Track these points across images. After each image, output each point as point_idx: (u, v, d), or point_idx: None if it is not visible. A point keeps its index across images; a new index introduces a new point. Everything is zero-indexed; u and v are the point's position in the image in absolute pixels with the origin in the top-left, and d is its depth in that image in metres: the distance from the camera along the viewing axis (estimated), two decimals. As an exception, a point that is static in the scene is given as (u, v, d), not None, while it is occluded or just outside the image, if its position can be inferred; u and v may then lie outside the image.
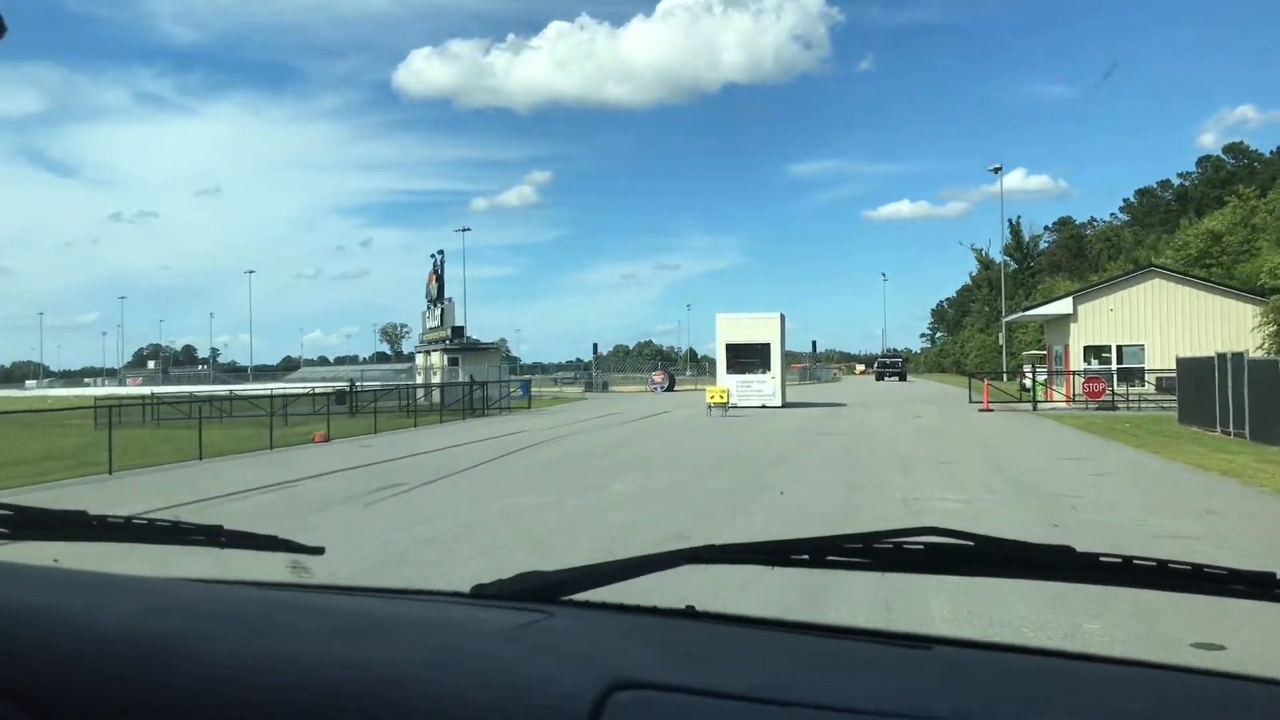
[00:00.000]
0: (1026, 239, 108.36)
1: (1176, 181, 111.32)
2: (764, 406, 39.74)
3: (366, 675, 0.95)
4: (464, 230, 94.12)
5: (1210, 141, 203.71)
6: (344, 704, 0.90)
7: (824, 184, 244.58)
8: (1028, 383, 48.63)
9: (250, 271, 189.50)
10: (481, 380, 51.66)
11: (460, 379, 55.07)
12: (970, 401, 38.21)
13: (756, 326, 40.74)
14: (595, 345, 76.78)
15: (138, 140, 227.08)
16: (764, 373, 40.52)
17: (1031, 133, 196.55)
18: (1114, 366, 37.57)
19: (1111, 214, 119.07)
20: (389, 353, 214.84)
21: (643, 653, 1.09)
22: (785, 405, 40.82)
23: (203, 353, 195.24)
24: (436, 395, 45.32)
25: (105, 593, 1.19)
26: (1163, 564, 1.13)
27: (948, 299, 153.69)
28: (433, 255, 57.64)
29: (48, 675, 0.91)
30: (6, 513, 1.41)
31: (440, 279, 57.29)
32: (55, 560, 1.71)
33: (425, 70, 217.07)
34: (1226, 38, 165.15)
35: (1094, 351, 38.30)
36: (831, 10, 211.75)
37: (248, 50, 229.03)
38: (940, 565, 1.18)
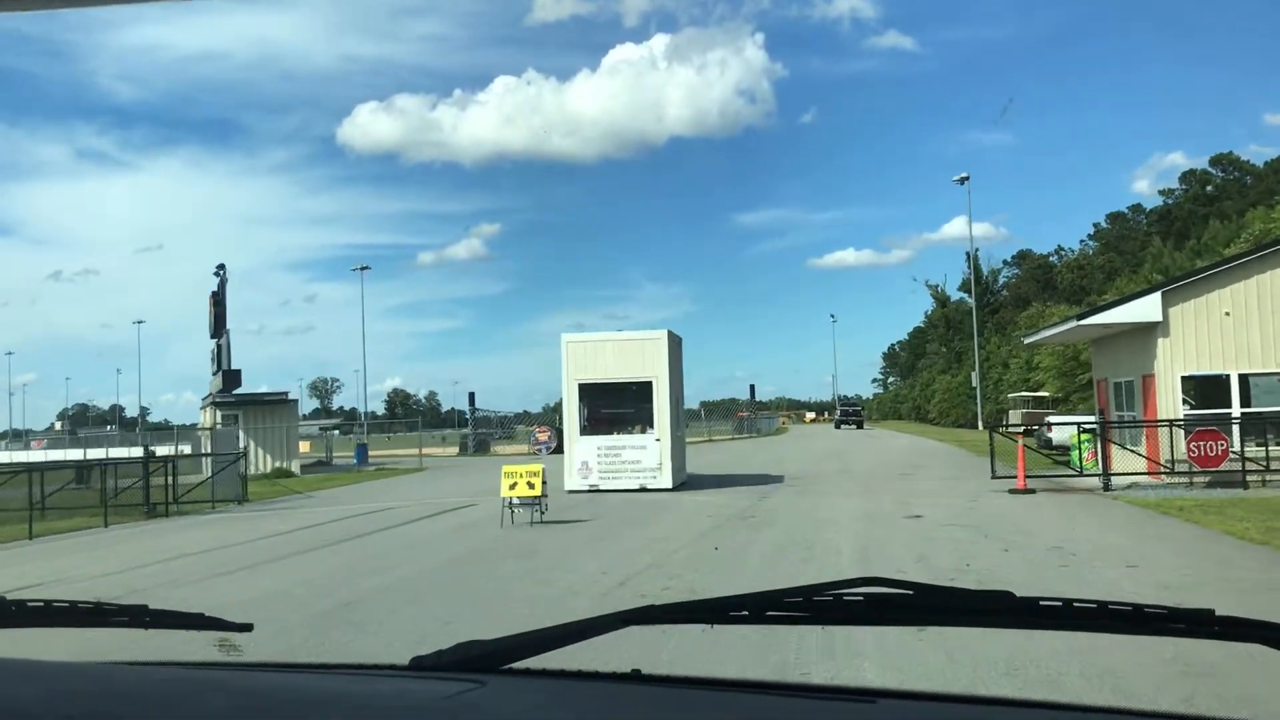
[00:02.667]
0: (985, 273, 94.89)
1: (1151, 204, 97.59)
2: (643, 489, 22.97)
3: None
4: (363, 269, 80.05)
5: (1144, 188, 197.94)
6: None
7: (770, 233, 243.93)
8: (1055, 437, 32.42)
9: (139, 322, 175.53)
10: (266, 438, 34.40)
11: (239, 444, 37.60)
12: (994, 476, 21.42)
13: (630, 355, 23.85)
14: (471, 395, 59.33)
15: (79, 198, 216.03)
16: (642, 432, 23.69)
17: (975, 181, 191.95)
18: (1235, 410, 21.15)
19: (1082, 241, 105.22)
20: (318, 408, 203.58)
21: (576, 716, 1.09)
22: (680, 486, 24.01)
23: (131, 411, 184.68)
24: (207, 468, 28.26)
25: (14, 679, 1.16)
26: (1103, 605, 1.12)
27: (899, 342, 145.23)
28: (216, 271, 40.40)
29: None
30: None
31: (221, 305, 39.93)
32: None
33: (371, 125, 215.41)
34: (1156, 86, 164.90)
35: (1192, 386, 21.89)
36: (775, 65, 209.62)
37: (192, 107, 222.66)
38: (881, 616, 1.17)
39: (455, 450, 56.71)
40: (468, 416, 60.82)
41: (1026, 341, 31.17)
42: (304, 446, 49.94)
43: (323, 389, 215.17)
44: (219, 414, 38.12)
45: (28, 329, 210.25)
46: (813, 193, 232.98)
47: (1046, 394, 57.05)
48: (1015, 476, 20.59)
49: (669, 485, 23.08)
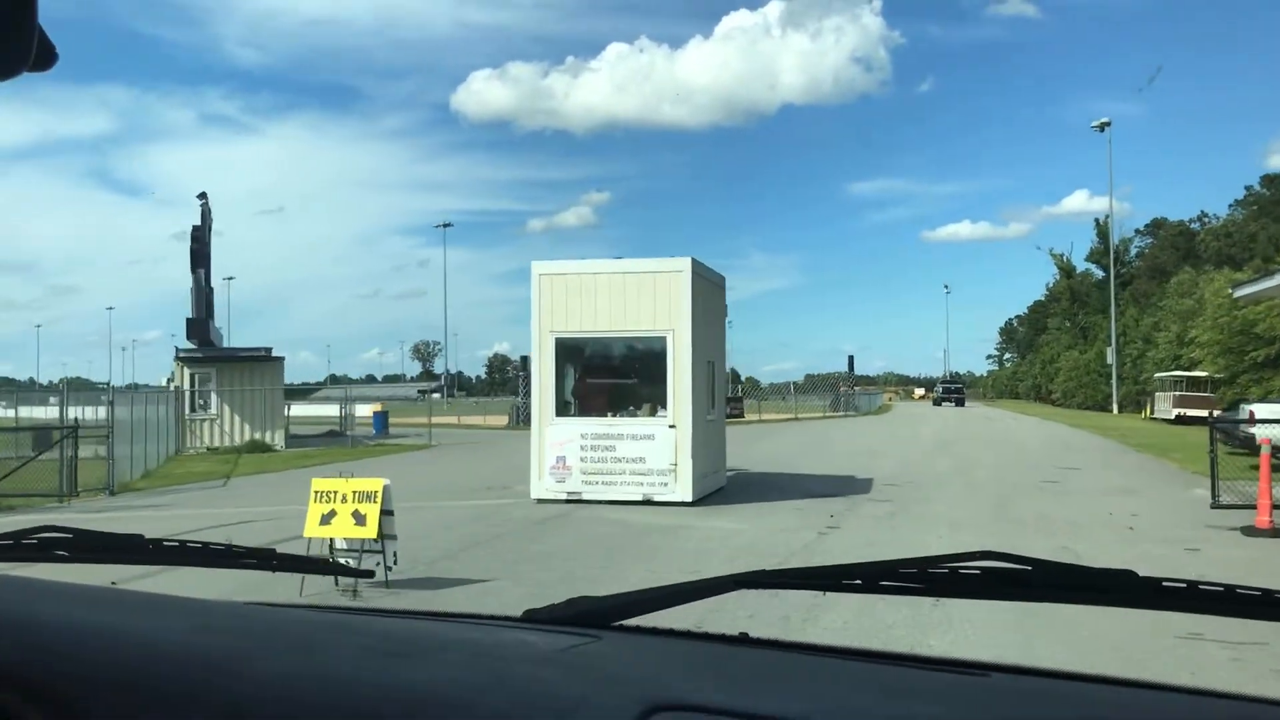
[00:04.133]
0: (1116, 242, 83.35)
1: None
2: (647, 501, 14.69)
3: (405, 695, 0.93)
4: (445, 226, 75.76)
5: (1278, 162, 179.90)
6: None
7: (883, 204, 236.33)
8: (1261, 434, 23.03)
9: (229, 278, 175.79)
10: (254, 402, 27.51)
11: (211, 409, 30.48)
12: (1215, 504, 12.52)
13: (634, 295, 15.36)
14: (524, 359, 51.38)
15: (204, 160, 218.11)
16: (651, 414, 15.35)
17: (1097, 153, 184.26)
18: None
19: (1230, 206, 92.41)
20: (419, 372, 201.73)
21: (688, 677, 1.06)
22: (707, 496, 15.66)
23: None
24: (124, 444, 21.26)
25: (160, 613, 1.19)
26: (1230, 589, 1.11)
27: (1016, 316, 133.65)
28: (199, 197, 33.22)
29: (109, 691, 0.89)
30: (66, 536, 1.43)
31: (203, 242, 32.77)
32: (113, 583, 1.72)
33: (485, 92, 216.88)
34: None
35: None
36: (892, 33, 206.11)
37: (312, 72, 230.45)
38: (997, 590, 1.16)
39: (505, 420, 48.99)
40: (518, 383, 53.04)
41: (1237, 294, 21.69)
42: (364, 410, 42.70)
43: (425, 352, 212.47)
44: (187, 372, 30.97)
45: (155, 287, 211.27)
46: (928, 163, 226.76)
47: (1204, 374, 46.75)
48: (1244, 504, 11.93)
49: (688, 498, 14.73)
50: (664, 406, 15.22)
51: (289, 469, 22.98)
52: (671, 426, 15.07)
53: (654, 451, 15.00)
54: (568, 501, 14.90)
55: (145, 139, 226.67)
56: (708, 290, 16.55)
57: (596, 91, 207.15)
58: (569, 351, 15.75)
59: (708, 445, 16.15)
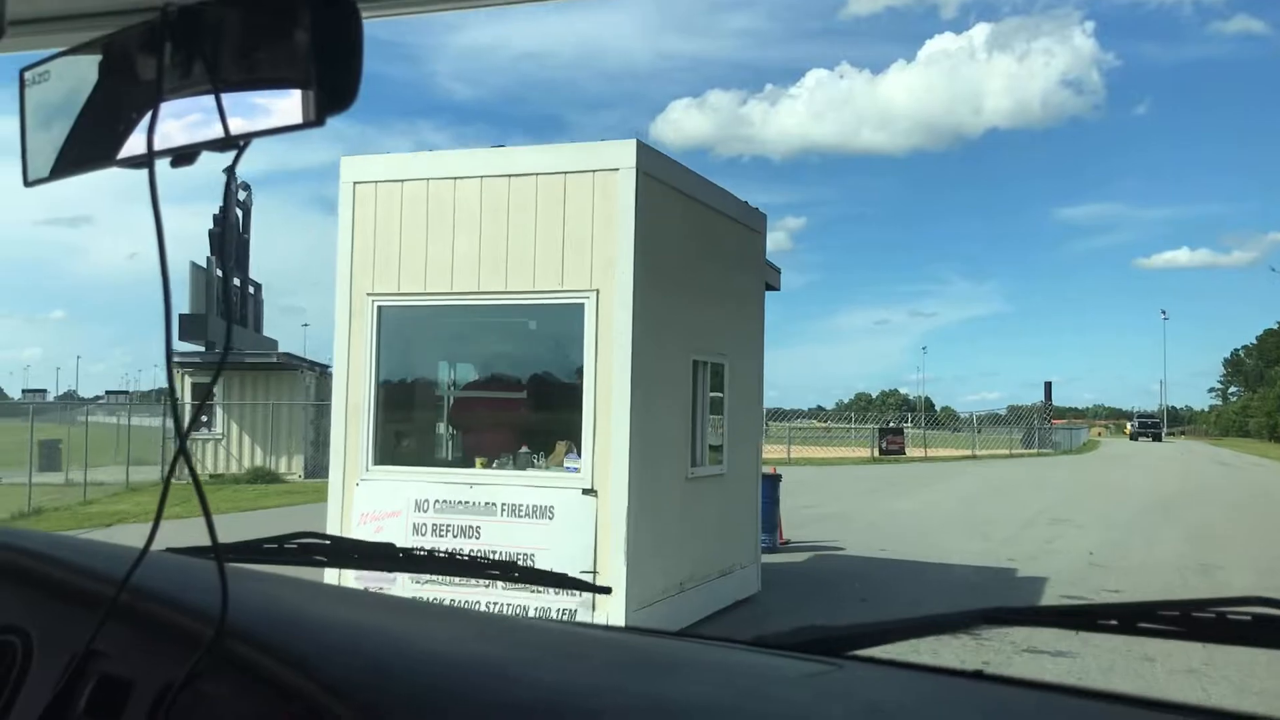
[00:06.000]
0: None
1: None
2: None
3: (671, 708, 0.92)
4: None
5: None
6: None
7: (1093, 230, 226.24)
8: None
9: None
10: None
11: (216, 428, 24.61)
12: None
13: (526, 223, 7.51)
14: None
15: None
16: (562, 461, 7.41)
17: None
18: None
19: None
20: None
21: (937, 709, 1.03)
22: (668, 632, 7.58)
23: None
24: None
25: (430, 618, 1.24)
26: None
27: (1244, 347, 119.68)
28: (242, 187, 27.29)
29: (404, 690, 0.88)
30: (324, 542, 1.46)
31: (233, 232, 26.87)
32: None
33: (684, 121, 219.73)
34: None
35: None
36: (1106, 54, 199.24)
37: (520, 104, 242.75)
38: (1270, 638, 1.06)
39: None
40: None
41: None
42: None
43: None
44: (188, 380, 24.92)
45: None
46: (1143, 188, 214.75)
47: None
48: None
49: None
50: (579, 444, 7.32)
51: (240, 510, 16.10)
52: (588, 492, 7.15)
53: (554, 539, 7.11)
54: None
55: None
56: (695, 220, 8.51)
57: (795, 118, 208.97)
58: (406, 335, 8.05)
59: (688, 523, 8.11)
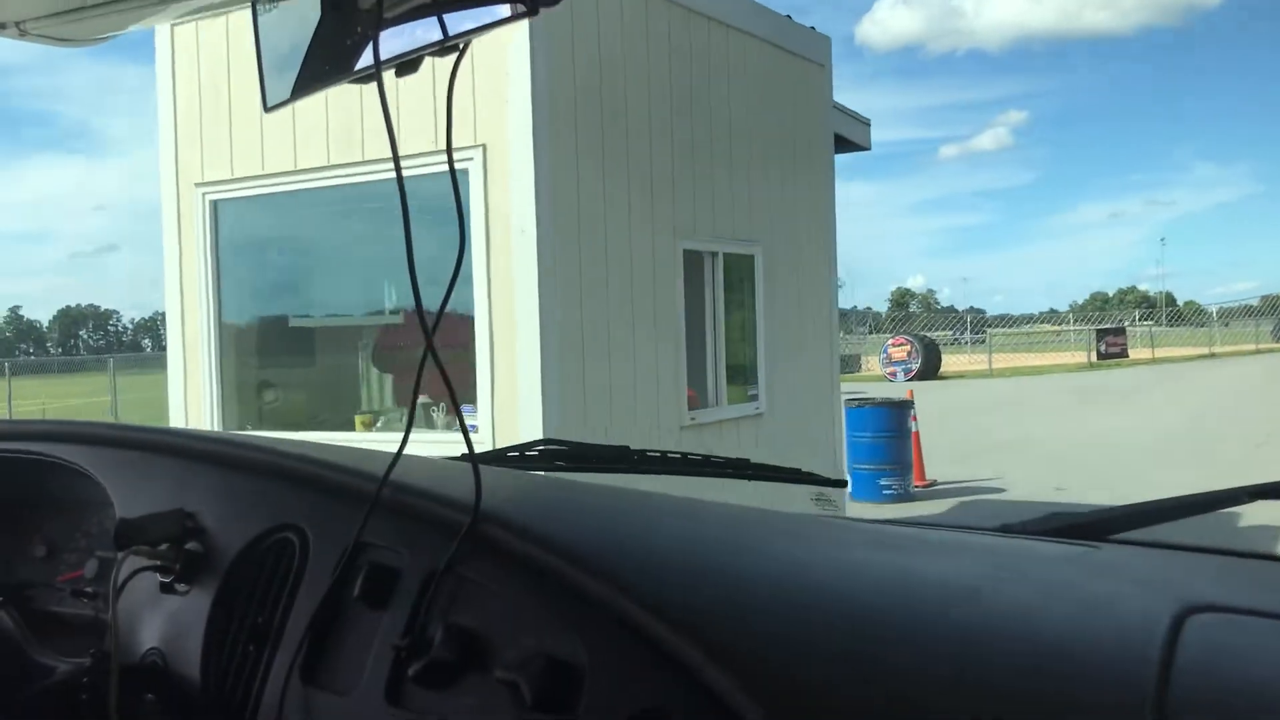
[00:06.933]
0: None
1: None
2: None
3: (922, 580, 0.91)
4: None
5: None
6: (923, 606, 0.85)
7: None
8: None
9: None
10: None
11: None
12: None
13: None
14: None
15: None
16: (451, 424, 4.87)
17: None
18: None
19: None
20: None
21: (1209, 581, 0.98)
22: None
23: None
24: None
25: (663, 506, 1.19)
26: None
27: None
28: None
29: (637, 562, 0.92)
30: (563, 448, 1.52)
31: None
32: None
33: (890, 20, 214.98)
34: None
35: None
36: None
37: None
38: None
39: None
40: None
41: None
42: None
43: None
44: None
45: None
46: None
47: None
48: None
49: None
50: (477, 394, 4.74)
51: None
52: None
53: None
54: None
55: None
56: (688, 37, 5.62)
57: (1011, 3, 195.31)
58: (258, 241, 5.63)
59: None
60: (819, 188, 6.91)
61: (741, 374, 6.07)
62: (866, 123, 8.02)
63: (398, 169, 0.86)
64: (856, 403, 10.01)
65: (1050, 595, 0.88)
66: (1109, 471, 10.86)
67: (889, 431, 9.60)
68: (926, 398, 23.26)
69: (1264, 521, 6.74)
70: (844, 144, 7.47)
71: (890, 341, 31.74)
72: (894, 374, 30.52)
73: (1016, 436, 14.56)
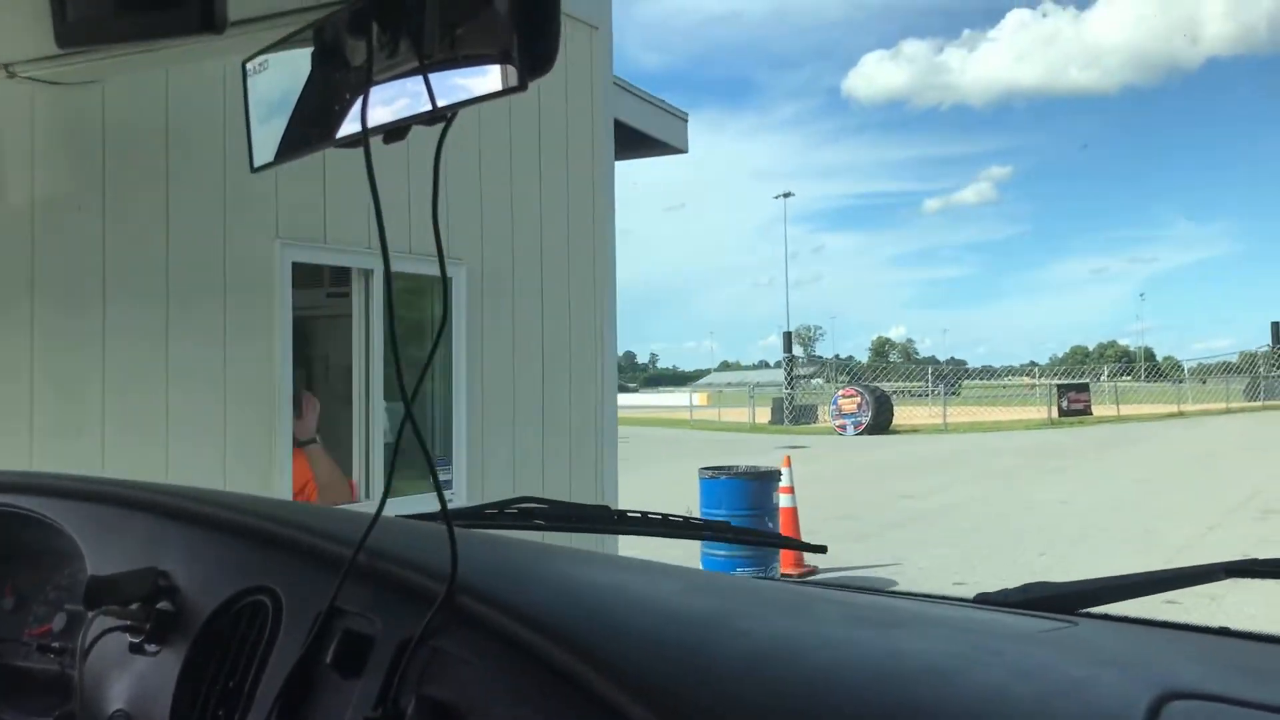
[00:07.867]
0: None
1: None
2: None
3: (905, 661, 0.89)
4: (785, 196, 65.94)
5: None
6: (887, 686, 0.84)
7: None
8: None
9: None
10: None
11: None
12: None
13: None
14: (787, 335, 38.60)
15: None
16: None
17: None
18: None
19: None
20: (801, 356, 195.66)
21: (1186, 662, 0.97)
22: None
23: (642, 359, 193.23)
24: None
25: (643, 572, 1.17)
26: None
27: None
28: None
29: (639, 644, 0.89)
30: (542, 506, 1.48)
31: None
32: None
33: (877, 74, 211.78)
34: None
35: None
36: None
37: (709, 68, 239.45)
38: None
39: (768, 416, 36.57)
40: (787, 363, 40.01)
41: None
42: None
43: (805, 337, 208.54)
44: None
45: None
46: None
47: None
48: None
49: None
50: None
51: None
52: None
53: None
54: None
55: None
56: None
57: (995, 62, 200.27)
58: None
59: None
60: (588, 190, 5.07)
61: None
62: (684, 118, 6.27)
63: (383, 240, 0.87)
64: (711, 473, 8.18)
65: (1022, 677, 0.86)
66: (1031, 555, 9.14)
67: (748, 509, 7.77)
68: (863, 455, 21.51)
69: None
70: (647, 143, 5.69)
71: (840, 393, 29.99)
72: (843, 427, 28.77)
73: (939, 505, 12.76)
